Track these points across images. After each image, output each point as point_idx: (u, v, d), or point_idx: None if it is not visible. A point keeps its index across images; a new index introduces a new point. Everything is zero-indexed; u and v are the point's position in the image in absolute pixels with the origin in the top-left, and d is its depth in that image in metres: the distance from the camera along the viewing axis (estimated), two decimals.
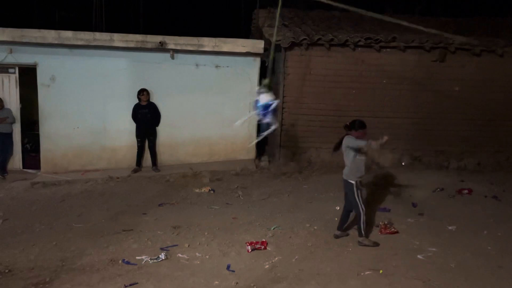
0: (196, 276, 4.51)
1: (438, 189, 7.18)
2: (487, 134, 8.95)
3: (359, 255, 4.97)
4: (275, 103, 6.15)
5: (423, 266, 4.72)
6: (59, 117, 8.83)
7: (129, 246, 5.25)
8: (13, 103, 9.00)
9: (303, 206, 6.67)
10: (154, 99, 8.88)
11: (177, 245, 5.26)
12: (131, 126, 8.81)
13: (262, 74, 9.30)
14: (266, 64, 9.30)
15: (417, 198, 6.82)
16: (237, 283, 4.36)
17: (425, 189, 7.17)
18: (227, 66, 9.05)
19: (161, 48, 8.63)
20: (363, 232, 5.22)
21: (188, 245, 5.25)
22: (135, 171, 8.68)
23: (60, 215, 6.48)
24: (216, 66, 9.05)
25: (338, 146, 5.45)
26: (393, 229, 5.61)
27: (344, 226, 5.54)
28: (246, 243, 5.20)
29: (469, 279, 4.41)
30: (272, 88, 6.45)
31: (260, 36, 9.75)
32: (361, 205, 5.20)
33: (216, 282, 4.38)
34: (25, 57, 8.68)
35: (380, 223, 5.75)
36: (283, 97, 8.83)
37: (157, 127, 8.98)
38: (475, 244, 5.25)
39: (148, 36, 8.66)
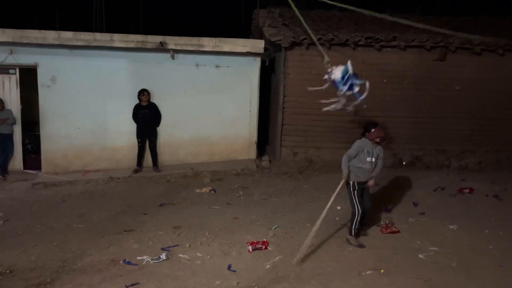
0: (197, 276, 4.51)
1: (439, 189, 7.17)
2: (488, 133, 8.94)
3: (360, 255, 4.97)
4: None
5: (424, 265, 4.71)
6: (59, 117, 8.83)
7: (130, 246, 5.25)
8: (14, 104, 9.00)
9: (304, 205, 6.67)
10: (155, 99, 8.88)
11: (178, 245, 5.26)
12: (132, 126, 8.81)
13: (263, 74, 9.32)
14: (266, 64, 9.32)
15: (418, 198, 6.81)
16: (238, 283, 4.35)
17: (426, 189, 7.17)
18: (228, 66, 9.05)
19: (161, 48, 8.63)
20: (353, 231, 5.25)
21: (189, 245, 5.24)
22: (135, 171, 8.68)
23: (61, 215, 6.48)
24: (217, 66, 9.04)
25: None
26: (394, 229, 5.60)
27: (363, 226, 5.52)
28: (247, 243, 5.20)
29: (470, 278, 4.40)
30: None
31: (260, 36, 9.76)
32: (357, 206, 5.22)
33: (217, 282, 4.38)
34: (25, 58, 8.68)
35: (381, 222, 5.76)
36: (284, 96, 8.83)
37: (157, 127, 8.98)
38: (476, 243, 5.24)
39: (148, 36, 8.66)
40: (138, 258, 4.92)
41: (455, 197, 6.85)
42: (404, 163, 8.79)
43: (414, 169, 8.49)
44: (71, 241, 5.45)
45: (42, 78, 8.75)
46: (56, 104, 8.81)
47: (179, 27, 15.44)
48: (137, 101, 8.73)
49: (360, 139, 5.32)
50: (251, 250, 5.06)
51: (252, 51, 8.82)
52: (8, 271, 4.66)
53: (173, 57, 8.86)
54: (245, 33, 13.00)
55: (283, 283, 4.36)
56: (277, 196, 7.21)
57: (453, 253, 4.98)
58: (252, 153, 9.29)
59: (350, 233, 5.26)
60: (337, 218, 6.10)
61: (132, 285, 4.31)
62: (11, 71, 8.94)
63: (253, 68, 9.08)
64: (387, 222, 5.75)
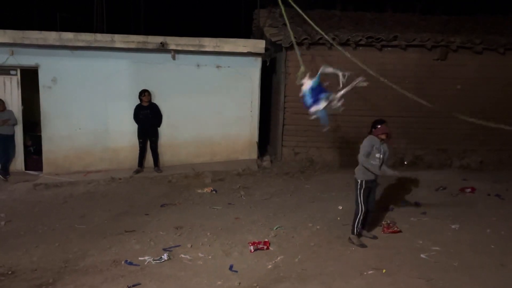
0: (199, 276, 4.51)
1: (441, 188, 7.17)
2: (490, 132, 8.90)
3: (362, 255, 4.97)
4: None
5: (426, 265, 4.71)
6: (60, 118, 8.84)
7: (132, 247, 5.25)
8: (15, 105, 9.01)
9: (305, 205, 6.67)
10: (156, 99, 8.88)
11: (179, 245, 5.26)
12: (133, 127, 8.81)
13: (264, 74, 9.32)
14: (267, 64, 9.32)
15: (419, 197, 6.81)
16: (240, 283, 4.35)
17: (428, 188, 7.17)
18: (228, 66, 9.05)
19: (162, 48, 8.63)
20: (355, 230, 5.25)
21: (191, 246, 5.24)
22: (137, 172, 8.68)
23: (62, 216, 6.48)
24: (217, 67, 9.04)
25: None
26: (396, 228, 5.60)
27: (365, 225, 5.49)
28: (248, 243, 5.20)
29: (472, 278, 4.40)
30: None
31: (261, 36, 9.75)
32: (361, 205, 5.20)
33: (219, 282, 4.38)
34: (26, 58, 8.69)
35: (383, 222, 5.75)
36: (285, 96, 8.82)
37: (158, 128, 8.98)
38: (478, 242, 5.23)
39: (149, 37, 8.67)
40: (139, 258, 4.92)
41: (457, 196, 6.85)
42: (405, 162, 8.78)
43: (415, 168, 8.48)
44: (73, 242, 5.45)
45: (43, 79, 8.76)
46: (57, 105, 8.81)
47: (180, 27, 15.43)
48: (138, 102, 8.73)
49: (366, 137, 5.31)
50: (252, 250, 5.05)
51: (253, 51, 8.81)
52: (10, 272, 4.66)
53: (174, 58, 8.86)
54: (245, 33, 12.98)
55: (285, 283, 4.36)
56: (278, 196, 7.21)
57: (455, 252, 4.97)
58: (253, 153, 9.29)
59: (353, 232, 5.26)
60: (338, 218, 6.10)
61: (134, 285, 4.31)
62: (12, 72, 8.95)
63: (254, 68, 9.07)
64: (388, 221, 5.74)
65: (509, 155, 8.90)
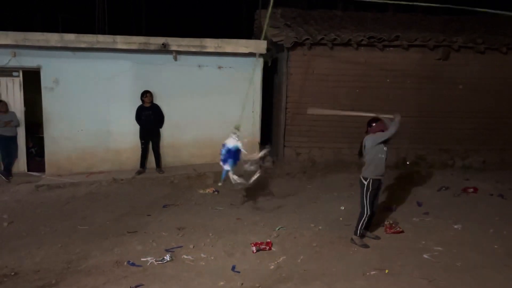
0: (201, 277, 4.51)
1: (443, 188, 7.16)
2: (492, 132, 8.91)
3: (365, 255, 4.96)
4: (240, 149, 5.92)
5: (429, 265, 4.70)
6: (63, 119, 8.85)
7: (134, 247, 5.26)
8: (17, 106, 9.02)
9: (307, 206, 6.67)
10: (158, 100, 8.89)
11: (182, 246, 5.26)
12: (135, 128, 8.82)
13: (265, 75, 9.31)
14: (269, 65, 9.32)
15: (422, 197, 6.80)
16: (242, 283, 4.35)
17: (430, 188, 7.16)
18: (230, 67, 9.05)
19: (164, 49, 8.63)
20: (358, 231, 5.25)
21: (193, 246, 5.25)
22: (139, 172, 8.69)
23: (65, 217, 6.49)
24: (219, 67, 9.04)
25: (361, 150, 5.40)
26: (398, 229, 5.59)
27: (368, 226, 5.48)
28: (251, 243, 5.20)
29: (475, 278, 4.39)
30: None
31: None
32: (367, 207, 5.19)
33: (222, 283, 4.37)
34: (28, 60, 8.70)
35: (385, 222, 5.74)
36: (286, 97, 8.82)
37: (160, 129, 8.98)
38: (481, 243, 5.22)
39: (151, 38, 8.67)
40: (142, 259, 4.92)
41: (459, 196, 6.84)
42: (407, 162, 8.77)
43: (417, 168, 8.46)
44: (75, 243, 5.46)
45: (45, 80, 8.77)
46: (60, 106, 8.82)
47: (181, 28, 15.45)
48: (140, 103, 8.74)
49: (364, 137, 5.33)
50: (255, 251, 5.05)
51: (255, 51, 8.81)
52: (12, 273, 4.67)
53: (175, 58, 8.86)
54: (247, 34, 13.00)
55: (287, 283, 4.35)
56: (280, 196, 7.20)
57: (457, 253, 4.96)
58: (255, 154, 9.26)
59: (355, 233, 5.25)
60: (340, 219, 6.10)
61: (136, 286, 4.32)
62: (15, 73, 8.96)
63: (256, 68, 9.06)
64: (391, 222, 5.73)
65: None
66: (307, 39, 8.41)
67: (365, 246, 5.17)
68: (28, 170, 9.23)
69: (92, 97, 8.84)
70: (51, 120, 8.84)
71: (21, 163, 9.18)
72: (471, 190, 7.00)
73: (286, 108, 8.84)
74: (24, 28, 9.08)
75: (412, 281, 4.36)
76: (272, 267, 4.73)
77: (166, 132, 9.04)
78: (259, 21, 10.58)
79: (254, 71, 9.06)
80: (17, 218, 6.48)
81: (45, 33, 8.51)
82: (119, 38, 8.57)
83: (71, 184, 8.19)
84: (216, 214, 6.47)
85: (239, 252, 5.09)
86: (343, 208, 6.45)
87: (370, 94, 8.74)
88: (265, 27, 6.35)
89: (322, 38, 8.44)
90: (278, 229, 5.74)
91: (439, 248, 5.07)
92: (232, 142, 5.90)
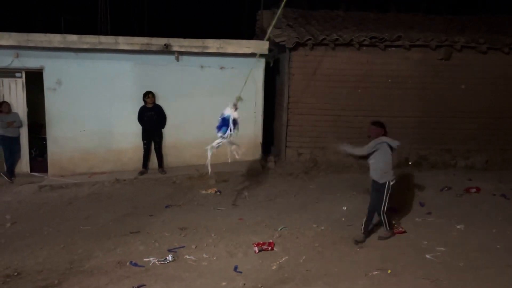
0: (203, 277, 4.52)
1: (446, 188, 7.14)
2: (494, 132, 8.89)
3: (367, 255, 4.96)
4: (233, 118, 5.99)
5: (432, 265, 4.69)
6: (65, 120, 8.87)
7: (137, 248, 5.27)
8: (20, 107, 9.05)
9: (309, 206, 6.66)
10: (160, 101, 8.90)
11: (184, 246, 5.27)
12: (137, 128, 8.83)
13: (267, 75, 9.32)
14: (271, 65, 9.32)
15: (424, 197, 6.78)
16: (244, 284, 4.35)
17: (433, 188, 7.14)
18: (232, 68, 9.05)
19: (166, 50, 8.64)
20: (388, 225, 5.38)
21: (195, 247, 5.25)
22: (141, 173, 8.70)
23: (67, 218, 6.51)
24: (221, 68, 9.05)
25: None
26: (400, 229, 5.58)
27: (368, 229, 5.48)
28: (253, 244, 5.20)
29: (478, 278, 4.38)
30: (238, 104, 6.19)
31: (264, 37, 9.74)
32: (386, 205, 5.29)
33: (224, 283, 4.38)
34: (31, 61, 8.73)
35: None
36: (288, 97, 8.82)
37: (163, 129, 8.99)
38: (484, 243, 5.21)
39: (153, 38, 8.68)
40: (144, 259, 4.93)
41: (462, 196, 6.82)
42: (410, 162, 8.76)
43: (420, 168, 8.45)
44: (78, 243, 5.47)
45: (47, 81, 8.79)
46: (62, 107, 8.84)
47: (183, 29, 15.48)
48: (142, 103, 8.76)
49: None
50: (257, 251, 5.05)
51: (257, 52, 8.80)
52: (16, 274, 4.69)
53: (177, 59, 8.87)
54: (249, 34, 13.01)
55: (289, 284, 4.36)
56: (282, 197, 7.21)
57: (460, 253, 4.95)
58: (257, 154, 9.28)
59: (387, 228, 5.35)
60: (343, 219, 6.09)
61: (138, 286, 4.33)
62: (17, 74, 8.99)
63: (258, 69, 9.07)
64: (393, 222, 5.72)
65: None
66: (309, 39, 8.40)
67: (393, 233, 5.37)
68: (31, 171, 9.26)
69: (95, 97, 8.86)
70: (53, 120, 8.87)
71: (23, 164, 9.21)
72: (474, 190, 6.98)
73: (288, 109, 8.84)
74: (26, 29, 9.12)
75: (415, 281, 4.35)
76: (274, 267, 4.73)
77: (168, 132, 9.05)
78: (261, 21, 10.59)
79: (256, 72, 9.07)
80: (20, 219, 6.50)
81: (47, 34, 8.53)
82: (121, 39, 8.60)
83: (73, 184, 8.21)
84: (218, 214, 6.47)
85: (241, 252, 5.09)
86: (345, 208, 6.44)
87: (372, 94, 8.73)
88: (270, 28, 6.35)
89: (324, 39, 8.44)
90: (280, 229, 5.74)
91: (442, 248, 5.06)
92: (228, 112, 6.04)
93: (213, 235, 5.61)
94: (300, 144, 8.89)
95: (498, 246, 5.11)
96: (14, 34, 8.45)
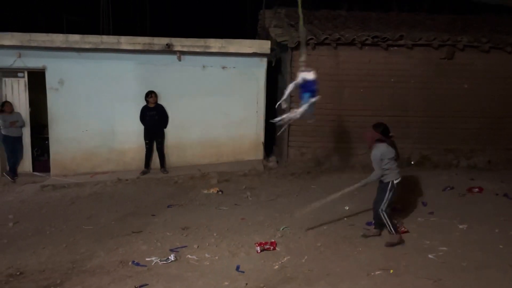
0: (205, 277, 4.51)
1: (448, 188, 7.12)
2: (497, 132, 8.86)
3: (369, 255, 4.94)
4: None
5: (434, 265, 4.68)
6: (68, 120, 8.90)
7: (139, 247, 5.27)
8: (23, 107, 9.09)
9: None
10: (162, 101, 8.91)
11: (186, 246, 5.27)
12: (139, 128, 8.85)
13: (269, 75, 9.31)
14: (273, 65, 9.32)
15: (427, 197, 6.77)
16: (246, 283, 4.35)
17: (435, 188, 7.12)
18: (234, 67, 9.06)
19: (168, 50, 8.66)
20: (394, 228, 5.23)
21: (197, 246, 5.25)
22: (143, 173, 8.72)
23: (69, 217, 6.52)
24: (223, 67, 9.06)
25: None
26: (403, 229, 5.57)
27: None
28: (255, 243, 5.19)
29: (480, 278, 4.36)
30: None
31: (266, 37, 9.75)
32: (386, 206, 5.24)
33: (226, 283, 4.38)
34: (33, 61, 8.76)
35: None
36: (291, 97, 8.78)
37: (165, 129, 9.01)
38: (486, 243, 5.19)
39: (155, 38, 8.70)
40: (146, 259, 4.93)
41: (464, 196, 6.80)
42: (412, 162, 8.74)
43: (422, 168, 8.43)
44: (80, 243, 5.48)
45: (50, 81, 8.82)
46: (64, 107, 8.87)
47: (185, 28, 15.46)
48: (144, 103, 8.77)
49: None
50: (259, 251, 5.05)
51: (259, 51, 8.82)
52: (18, 273, 4.70)
53: (179, 59, 8.88)
54: (251, 34, 13.00)
55: (291, 283, 4.35)
56: (284, 196, 7.20)
57: (462, 253, 4.93)
58: (259, 154, 9.28)
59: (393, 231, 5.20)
60: (345, 219, 6.08)
61: (141, 286, 4.33)
62: (20, 74, 9.02)
63: (260, 68, 9.08)
64: (395, 222, 5.70)
65: None
66: (311, 39, 8.39)
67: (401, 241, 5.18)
68: (33, 171, 9.29)
69: (97, 97, 8.89)
70: (56, 120, 8.89)
71: (26, 164, 9.25)
72: (476, 190, 6.96)
73: (290, 108, 8.80)
74: (29, 29, 9.14)
75: (417, 281, 4.34)
76: (277, 267, 4.72)
77: (171, 132, 9.06)
78: (262, 21, 10.57)
79: (258, 71, 9.08)
80: (22, 218, 6.52)
81: (50, 34, 8.56)
82: (123, 39, 8.61)
83: (76, 184, 8.23)
84: (220, 214, 6.47)
85: (244, 252, 5.09)
86: (347, 208, 6.43)
87: (374, 94, 8.72)
88: (300, 22, 6.22)
89: (326, 38, 8.43)
90: (283, 229, 5.73)
91: (444, 248, 5.05)
92: (301, 76, 5.65)
93: (215, 234, 5.61)
94: (302, 143, 8.88)
95: (500, 246, 5.09)
96: (16, 34, 8.48)
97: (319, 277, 4.46)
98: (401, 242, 5.16)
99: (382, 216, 5.20)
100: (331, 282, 4.36)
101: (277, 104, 6.12)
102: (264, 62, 9.08)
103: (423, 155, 8.79)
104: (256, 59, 9.04)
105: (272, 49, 8.93)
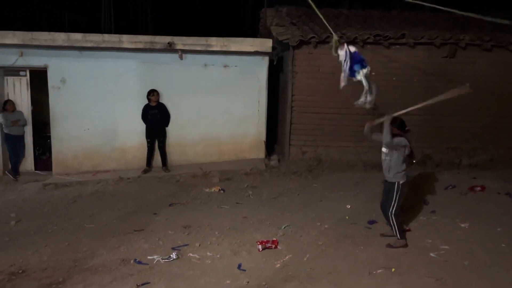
0: (207, 275, 4.52)
1: (450, 186, 7.11)
2: (499, 130, 8.84)
3: (371, 254, 4.94)
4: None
5: (436, 264, 4.67)
6: (69, 119, 8.91)
7: (141, 246, 5.28)
8: (25, 105, 9.10)
9: (313, 205, 6.65)
10: (163, 99, 8.92)
11: (188, 244, 5.28)
12: (141, 126, 8.85)
13: (271, 73, 9.31)
14: (274, 63, 9.31)
15: (429, 196, 6.76)
16: (248, 282, 4.35)
17: (437, 187, 7.11)
18: (236, 66, 9.06)
19: (169, 48, 8.66)
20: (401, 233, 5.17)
21: (199, 245, 5.26)
22: (145, 171, 8.72)
23: (72, 216, 6.53)
24: (225, 66, 9.05)
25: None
26: (405, 227, 5.56)
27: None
28: (256, 242, 5.19)
29: (482, 277, 4.36)
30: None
31: (268, 35, 9.74)
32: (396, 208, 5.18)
33: (228, 281, 4.38)
34: (35, 60, 8.76)
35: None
36: (292, 95, 8.81)
37: (166, 128, 9.01)
38: (488, 241, 5.18)
39: (157, 37, 8.70)
40: (148, 257, 4.94)
41: (467, 195, 6.79)
42: (414, 161, 8.71)
43: (424, 167, 8.42)
44: (82, 241, 5.49)
45: (52, 79, 8.83)
46: (66, 106, 8.88)
47: (187, 27, 15.48)
48: (146, 102, 8.77)
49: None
50: (261, 249, 5.05)
51: (260, 50, 8.81)
52: (20, 271, 4.71)
53: (181, 57, 8.88)
54: (252, 33, 12.99)
55: (293, 282, 4.35)
56: (286, 195, 7.20)
57: (465, 251, 4.93)
58: (261, 153, 9.29)
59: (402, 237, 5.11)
60: (347, 217, 6.08)
61: (142, 284, 4.33)
62: (22, 73, 9.03)
63: (261, 67, 9.07)
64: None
65: None
66: (313, 37, 8.39)
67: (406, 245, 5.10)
68: (35, 169, 9.31)
69: (99, 96, 8.89)
70: (58, 119, 8.91)
71: (28, 162, 9.26)
72: (479, 188, 6.94)
73: (291, 107, 8.82)
74: (31, 28, 9.15)
75: (419, 280, 4.34)
76: (278, 265, 4.72)
77: (172, 131, 9.07)
78: (264, 19, 10.57)
79: (259, 70, 9.07)
80: (24, 217, 6.53)
81: (52, 33, 8.57)
82: (125, 38, 8.62)
83: (77, 182, 8.24)
84: (222, 212, 6.47)
85: (245, 250, 5.09)
86: (349, 206, 6.43)
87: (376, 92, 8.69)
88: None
89: (328, 36, 8.41)
90: (284, 227, 5.73)
91: (446, 247, 5.04)
92: (342, 52, 5.58)
93: (216, 233, 5.61)
94: (304, 142, 8.88)
95: (503, 245, 5.08)
96: (18, 33, 8.49)
97: (320, 275, 4.46)
98: (404, 246, 5.08)
99: (391, 219, 5.13)
100: (333, 280, 4.35)
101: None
102: (265, 60, 9.07)
103: (425, 154, 8.78)
104: (257, 58, 9.03)
105: (273, 48, 8.93)
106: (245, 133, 9.24)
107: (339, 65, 8.68)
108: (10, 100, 8.89)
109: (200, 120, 9.14)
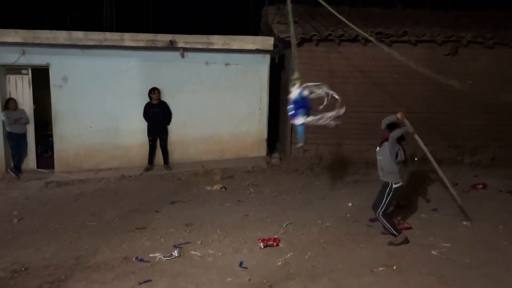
0: (209, 273, 4.53)
1: (452, 184, 7.09)
2: (502, 128, 8.82)
3: (372, 251, 4.95)
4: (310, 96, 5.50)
5: (438, 261, 4.68)
6: (71, 117, 8.92)
7: (142, 243, 5.29)
8: (27, 103, 9.12)
9: (314, 203, 6.66)
10: (165, 97, 8.92)
11: (189, 242, 5.29)
12: (143, 125, 8.86)
13: (272, 71, 9.31)
14: (276, 61, 9.31)
15: (430, 194, 6.76)
16: (249, 279, 4.36)
17: (439, 184, 7.10)
18: (237, 64, 9.05)
19: (171, 47, 8.66)
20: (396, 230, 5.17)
21: (201, 242, 5.27)
22: (147, 169, 8.74)
23: (74, 213, 6.55)
24: (226, 64, 9.05)
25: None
26: (406, 225, 5.57)
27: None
28: (258, 240, 5.20)
29: (484, 275, 4.36)
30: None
31: (269, 33, 9.73)
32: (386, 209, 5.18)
33: (229, 279, 4.39)
34: (37, 58, 8.78)
35: (394, 219, 5.71)
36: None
37: (168, 126, 9.02)
38: (490, 239, 5.18)
39: (158, 35, 8.70)
40: (150, 255, 4.95)
41: (468, 193, 6.79)
42: (416, 159, 8.71)
43: (426, 165, 8.40)
44: (84, 239, 5.51)
45: (54, 78, 8.84)
46: (68, 104, 8.89)
47: (188, 25, 15.49)
48: (147, 100, 8.78)
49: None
50: (262, 247, 5.06)
51: (262, 48, 8.80)
52: (23, 269, 4.73)
53: (182, 56, 8.88)
54: (254, 31, 12.99)
55: (295, 280, 4.36)
56: (287, 193, 7.20)
57: (466, 249, 4.93)
58: (263, 151, 9.29)
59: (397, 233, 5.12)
60: (348, 215, 6.08)
61: (144, 282, 4.35)
62: (24, 71, 9.05)
63: (263, 65, 9.07)
64: (399, 218, 5.71)
65: None
66: (314, 35, 8.37)
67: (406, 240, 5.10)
68: (38, 167, 9.33)
69: (100, 94, 8.91)
70: (60, 117, 8.92)
71: (30, 160, 9.28)
72: (480, 186, 6.95)
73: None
74: (33, 26, 9.16)
75: (420, 277, 4.34)
76: (280, 263, 4.73)
77: (174, 129, 9.07)
78: (265, 17, 10.55)
79: (261, 68, 9.07)
80: (27, 215, 6.55)
81: (53, 31, 8.57)
82: (126, 36, 8.62)
83: (79, 181, 8.26)
84: (223, 210, 6.48)
85: (247, 248, 5.10)
86: (350, 204, 6.44)
87: (377, 90, 8.69)
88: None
89: (329, 34, 8.41)
90: (286, 225, 5.74)
91: (448, 245, 5.05)
92: (295, 93, 5.63)
93: (218, 231, 5.62)
94: (305, 140, 8.86)
95: (504, 243, 5.08)
96: (20, 31, 8.50)
97: (322, 273, 4.47)
98: (405, 241, 5.08)
99: (380, 221, 5.17)
100: (334, 278, 4.36)
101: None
102: (267, 58, 9.06)
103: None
104: (259, 56, 9.02)
105: (275, 46, 8.92)
106: (246, 131, 9.24)
107: (340, 62, 8.73)
108: (12, 98, 8.91)
109: (201, 118, 9.14)
